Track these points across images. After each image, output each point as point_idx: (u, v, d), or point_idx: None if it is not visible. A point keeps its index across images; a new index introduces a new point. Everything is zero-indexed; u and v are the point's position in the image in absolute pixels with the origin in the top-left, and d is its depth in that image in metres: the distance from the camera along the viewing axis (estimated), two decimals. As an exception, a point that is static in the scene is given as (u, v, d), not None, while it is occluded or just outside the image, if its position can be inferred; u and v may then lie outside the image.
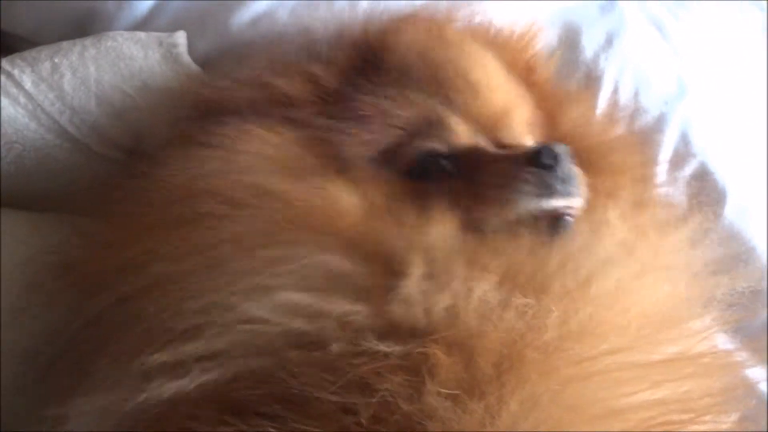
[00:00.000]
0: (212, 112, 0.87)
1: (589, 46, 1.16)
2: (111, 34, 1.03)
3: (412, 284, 0.69)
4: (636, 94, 1.13)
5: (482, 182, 0.82)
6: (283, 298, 0.69)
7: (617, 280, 0.72)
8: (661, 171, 1.10)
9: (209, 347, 0.68)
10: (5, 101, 0.96)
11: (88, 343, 0.77)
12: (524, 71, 0.98)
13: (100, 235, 0.83)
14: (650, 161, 1.07)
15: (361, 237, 0.73)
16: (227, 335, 0.68)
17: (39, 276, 0.86)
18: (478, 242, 0.74)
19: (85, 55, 0.99)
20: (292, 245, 0.72)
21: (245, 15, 1.09)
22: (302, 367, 0.65)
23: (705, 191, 1.08)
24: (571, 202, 0.80)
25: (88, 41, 1.01)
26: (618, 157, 0.96)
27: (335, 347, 0.66)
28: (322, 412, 0.64)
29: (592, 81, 1.14)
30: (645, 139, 1.10)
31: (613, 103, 1.12)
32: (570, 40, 1.17)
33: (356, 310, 0.68)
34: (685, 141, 1.10)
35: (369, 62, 0.92)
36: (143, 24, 1.09)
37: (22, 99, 0.97)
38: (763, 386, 0.96)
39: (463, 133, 0.86)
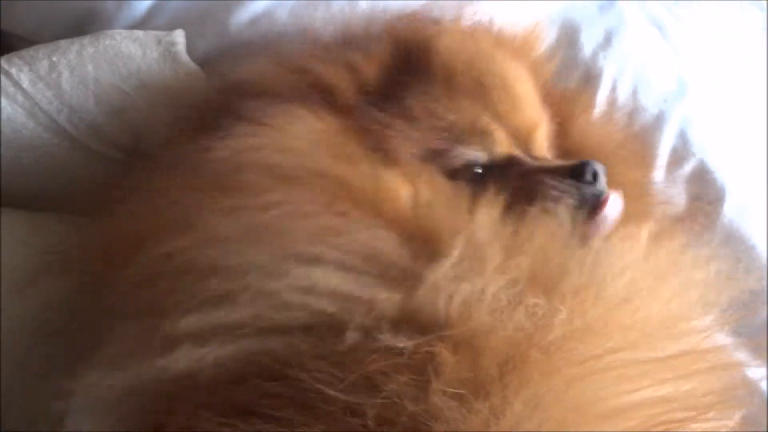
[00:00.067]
0: (254, 94, 0.87)
1: (588, 44, 1.16)
2: (109, 32, 1.03)
3: (446, 268, 0.69)
4: (635, 93, 1.13)
5: (521, 192, 0.83)
6: (319, 275, 0.69)
7: (629, 285, 0.72)
8: (660, 170, 1.10)
9: (236, 316, 0.68)
10: (3, 100, 0.96)
11: (108, 310, 0.76)
12: (542, 83, 1.00)
13: (136, 196, 0.82)
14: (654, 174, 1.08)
15: (409, 221, 0.74)
16: (256, 305, 0.68)
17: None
18: (513, 235, 0.75)
19: (83, 54, 0.99)
20: (342, 218, 0.73)
21: (244, 15, 1.09)
22: (312, 360, 0.65)
23: (704, 190, 1.09)
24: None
25: (86, 40, 1.01)
26: (628, 171, 0.98)
27: (350, 336, 0.66)
28: (329, 413, 0.63)
29: (590, 80, 1.14)
30: (644, 137, 1.10)
31: (612, 102, 1.12)
32: (569, 38, 1.17)
33: (387, 298, 0.68)
34: (684, 139, 1.10)
35: (416, 62, 0.92)
36: (142, 24, 1.09)
37: (20, 98, 0.97)
38: (764, 385, 0.96)
39: (503, 143, 0.89)
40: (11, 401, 0.86)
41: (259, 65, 0.93)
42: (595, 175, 0.84)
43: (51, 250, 0.87)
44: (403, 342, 0.65)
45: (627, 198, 0.88)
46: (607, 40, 1.16)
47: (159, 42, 1.01)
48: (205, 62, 1.06)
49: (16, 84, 0.97)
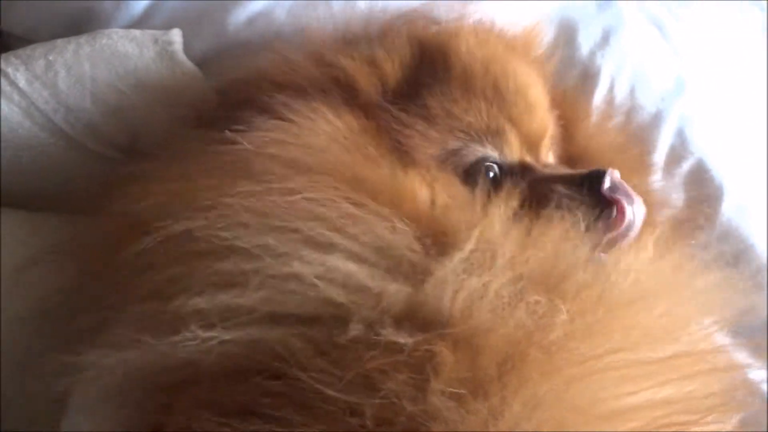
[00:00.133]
0: (278, 87, 0.87)
1: (586, 43, 1.16)
2: (106, 31, 1.02)
3: (455, 263, 0.69)
4: (632, 92, 1.13)
5: (534, 199, 0.84)
6: (333, 262, 0.69)
7: (633, 289, 0.72)
8: (658, 169, 1.10)
9: (246, 300, 0.68)
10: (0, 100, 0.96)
11: (112, 294, 0.77)
12: (548, 86, 1.01)
13: (144, 183, 0.81)
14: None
15: (425, 219, 0.75)
16: (267, 288, 0.68)
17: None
18: (524, 234, 0.75)
19: (79, 53, 0.98)
20: (360, 208, 0.73)
21: (242, 14, 1.09)
22: (311, 358, 0.65)
23: (702, 189, 1.09)
24: None
25: (82, 39, 1.01)
26: (632, 176, 0.96)
27: (354, 328, 0.66)
28: (328, 413, 0.63)
29: (588, 79, 1.14)
30: (642, 138, 1.10)
31: (610, 101, 1.12)
32: (566, 37, 1.17)
33: (395, 290, 0.68)
34: (682, 138, 1.10)
35: (435, 63, 0.93)
36: (139, 23, 1.08)
37: (16, 97, 0.96)
38: (764, 386, 0.96)
39: (516, 147, 0.90)
40: (11, 381, 0.86)
41: (283, 57, 0.93)
42: (609, 182, 0.84)
43: (51, 249, 0.87)
44: (403, 338, 0.65)
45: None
46: (605, 39, 1.16)
47: (156, 41, 1.01)
48: (202, 62, 1.05)
49: (13, 83, 0.96)
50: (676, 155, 1.10)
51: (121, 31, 1.02)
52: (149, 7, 1.09)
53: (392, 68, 0.91)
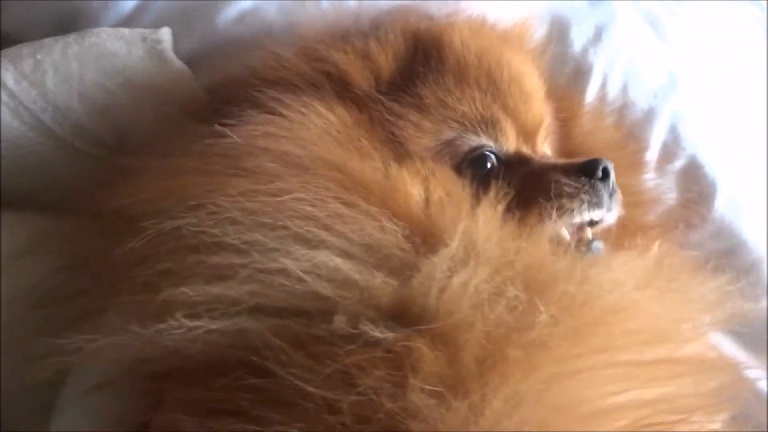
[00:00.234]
0: (269, 83, 0.87)
1: (578, 40, 1.16)
2: (95, 30, 1.02)
3: (442, 260, 0.69)
4: (625, 88, 1.12)
5: (532, 189, 0.84)
6: (321, 258, 0.69)
7: (621, 297, 0.72)
8: (651, 166, 1.09)
9: (233, 292, 0.68)
10: (-13, 100, 0.95)
11: (106, 284, 0.77)
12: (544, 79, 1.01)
13: (137, 178, 0.82)
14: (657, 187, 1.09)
15: (416, 218, 0.75)
16: (254, 282, 0.69)
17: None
18: (512, 234, 0.75)
19: (67, 52, 0.98)
20: (350, 208, 0.73)
21: (231, 12, 1.09)
22: (290, 352, 0.65)
23: (695, 185, 1.08)
24: (612, 216, 0.86)
25: (71, 38, 1.00)
26: (627, 175, 0.99)
27: (338, 320, 0.66)
28: (306, 411, 0.63)
29: (580, 75, 1.13)
30: (636, 135, 1.10)
31: (602, 98, 1.11)
32: (559, 34, 1.16)
33: (383, 284, 0.68)
34: (674, 134, 1.10)
35: (428, 54, 0.93)
36: (128, 22, 1.08)
37: (4, 96, 0.96)
38: (761, 384, 0.96)
39: (512, 137, 0.90)
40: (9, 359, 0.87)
41: (273, 54, 0.93)
42: (605, 172, 0.84)
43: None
44: (381, 333, 0.64)
45: (625, 206, 0.89)
46: (598, 36, 1.16)
47: (144, 40, 1.01)
48: (192, 60, 1.05)
49: (1, 83, 0.96)
50: (669, 152, 1.10)
51: (109, 30, 1.02)
52: (138, 6, 1.09)
53: (386, 61, 0.91)
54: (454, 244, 0.71)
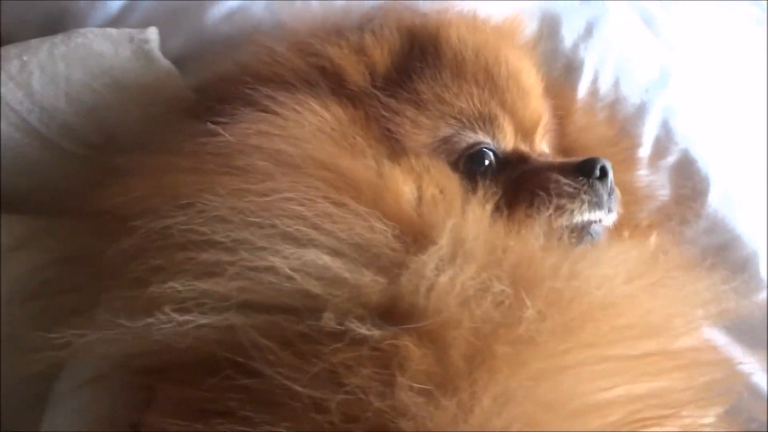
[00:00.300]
0: (263, 80, 0.87)
1: (569, 35, 1.15)
2: (82, 30, 1.02)
3: (430, 258, 0.69)
4: (616, 83, 1.12)
5: (529, 188, 0.83)
6: (312, 256, 0.69)
7: (610, 292, 0.71)
8: (644, 161, 1.09)
9: (222, 288, 0.68)
10: (-28, 101, 0.95)
11: (98, 280, 0.77)
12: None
13: (130, 176, 0.82)
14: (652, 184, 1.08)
15: (408, 217, 0.74)
16: (243, 279, 0.68)
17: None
18: (501, 233, 0.74)
19: (54, 53, 0.98)
20: (340, 207, 0.72)
21: (219, 10, 1.08)
22: (279, 350, 0.64)
23: (688, 180, 1.08)
24: (611, 217, 0.85)
25: (57, 38, 1.00)
26: (622, 172, 0.97)
27: (326, 317, 0.65)
28: (293, 410, 0.62)
29: (572, 71, 1.12)
30: (628, 131, 1.09)
31: (594, 93, 1.11)
32: (550, 30, 1.16)
33: (372, 281, 0.67)
34: (666, 129, 1.09)
35: (425, 49, 0.92)
36: (116, 23, 1.08)
37: (-9, 98, 0.95)
38: (757, 378, 0.96)
39: (510, 135, 0.89)
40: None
41: (266, 49, 0.92)
42: (603, 171, 0.84)
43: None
44: (369, 330, 0.64)
45: (620, 203, 0.88)
46: (588, 32, 1.15)
47: (131, 40, 1.00)
48: (180, 59, 1.05)
49: (-14, 85, 0.96)
50: (661, 147, 1.09)
51: (96, 30, 1.02)
52: (125, 6, 1.08)
53: (381, 55, 0.90)
54: (442, 242, 0.70)
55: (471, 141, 0.87)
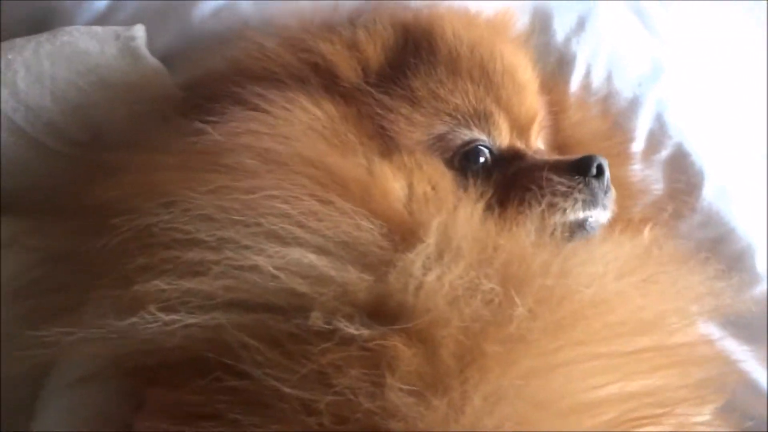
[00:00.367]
0: (254, 78, 0.86)
1: (561, 29, 1.14)
2: (67, 29, 1.01)
3: (418, 256, 0.68)
4: (609, 77, 1.11)
5: (523, 185, 0.83)
6: (297, 255, 0.68)
7: (601, 289, 0.70)
8: (638, 155, 1.08)
9: (207, 287, 0.67)
10: (-41, 100, 0.94)
11: (84, 277, 0.76)
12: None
13: (116, 173, 0.80)
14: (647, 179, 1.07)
15: (397, 215, 0.73)
16: (228, 278, 0.68)
17: None
18: (493, 234, 0.73)
19: (39, 52, 0.97)
20: (326, 205, 0.72)
21: (206, 7, 1.07)
22: (268, 351, 0.64)
23: (683, 174, 1.07)
24: (606, 215, 0.85)
25: (43, 37, 0.99)
26: (617, 167, 0.96)
27: (314, 316, 0.65)
28: (283, 413, 0.62)
29: (564, 65, 1.12)
30: (621, 125, 1.08)
31: (586, 87, 1.10)
32: (541, 24, 1.15)
33: (359, 279, 0.67)
34: (660, 122, 1.09)
35: (420, 45, 0.91)
36: (102, 21, 1.07)
37: (-25, 98, 0.94)
38: (757, 375, 0.95)
39: (505, 131, 0.89)
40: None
41: (257, 44, 0.91)
42: (599, 169, 0.83)
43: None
44: (357, 329, 0.63)
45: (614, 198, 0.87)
46: (580, 25, 1.14)
47: (118, 37, 0.99)
48: (167, 56, 1.04)
49: (-29, 84, 0.95)
50: (655, 141, 1.09)
51: (82, 28, 1.01)
52: (112, 5, 1.07)
53: (374, 51, 0.89)
54: (430, 240, 0.70)
55: (466, 138, 0.86)
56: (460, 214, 0.73)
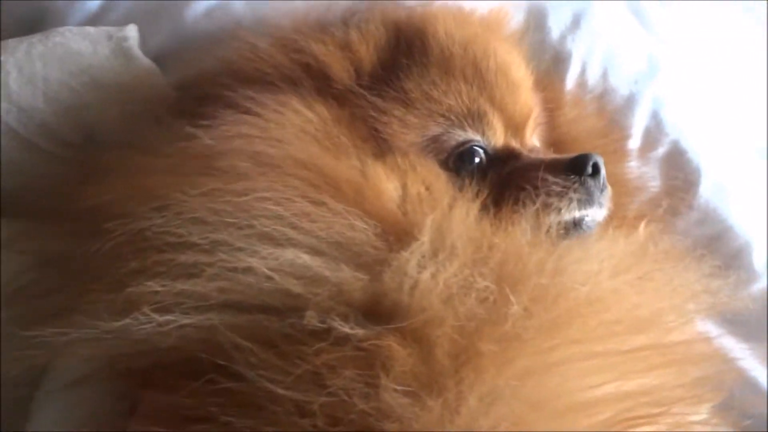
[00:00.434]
0: (245, 81, 0.85)
1: (556, 27, 1.13)
2: (60, 29, 1.00)
3: (413, 255, 0.68)
4: (605, 75, 1.10)
5: (518, 185, 0.82)
6: (290, 255, 0.68)
7: (596, 288, 0.70)
8: (634, 152, 1.07)
9: (201, 288, 0.67)
10: (-49, 101, 0.93)
11: (77, 279, 0.76)
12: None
13: (109, 176, 0.81)
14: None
15: (391, 215, 0.73)
16: (222, 279, 0.68)
17: None
18: (487, 231, 0.73)
19: (31, 52, 0.96)
20: (319, 207, 0.71)
21: (199, 7, 1.07)
22: (262, 352, 0.63)
23: (679, 171, 1.06)
24: (602, 212, 0.84)
25: (35, 38, 0.99)
26: (613, 164, 0.96)
27: (309, 315, 0.64)
28: (276, 414, 0.61)
29: (559, 63, 1.11)
30: (616, 120, 1.08)
31: (582, 85, 1.09)
32: (536, 22, 1.14)
33: (353, 278, 0.67)
34: (656, 120, 1.08)
35: (412, 45, 0.90)
36: (95, 21, 1.06)
37: (-33, 99, 0.94)
38: (756, 373, 0.95)
39: (499, 131, 0.88)
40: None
41: (249, 45, 0.91)
42: (595, 167, 0.82)
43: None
44: (352, 328, 0.63)
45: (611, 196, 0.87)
46: (575, 23, 1.14)
47: (110, 38, 0.99)
48: (160, 56, 1.04)
49: (-37, 86, 0.94)
50: (651, 138, 1.08)
51: (75, 29, 1.00)
52: (104, 5, 1.07)
53: (367, 51, 0.89)
54: (424, 239, 0.69)
55: (460, 139, 0.86)
56: (454, 213, 0.73)
